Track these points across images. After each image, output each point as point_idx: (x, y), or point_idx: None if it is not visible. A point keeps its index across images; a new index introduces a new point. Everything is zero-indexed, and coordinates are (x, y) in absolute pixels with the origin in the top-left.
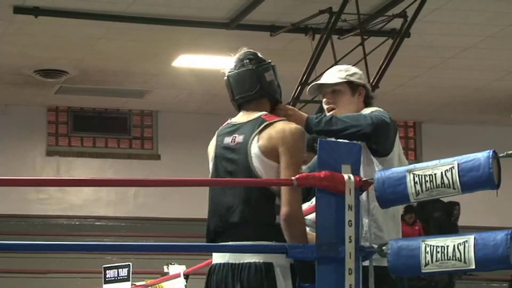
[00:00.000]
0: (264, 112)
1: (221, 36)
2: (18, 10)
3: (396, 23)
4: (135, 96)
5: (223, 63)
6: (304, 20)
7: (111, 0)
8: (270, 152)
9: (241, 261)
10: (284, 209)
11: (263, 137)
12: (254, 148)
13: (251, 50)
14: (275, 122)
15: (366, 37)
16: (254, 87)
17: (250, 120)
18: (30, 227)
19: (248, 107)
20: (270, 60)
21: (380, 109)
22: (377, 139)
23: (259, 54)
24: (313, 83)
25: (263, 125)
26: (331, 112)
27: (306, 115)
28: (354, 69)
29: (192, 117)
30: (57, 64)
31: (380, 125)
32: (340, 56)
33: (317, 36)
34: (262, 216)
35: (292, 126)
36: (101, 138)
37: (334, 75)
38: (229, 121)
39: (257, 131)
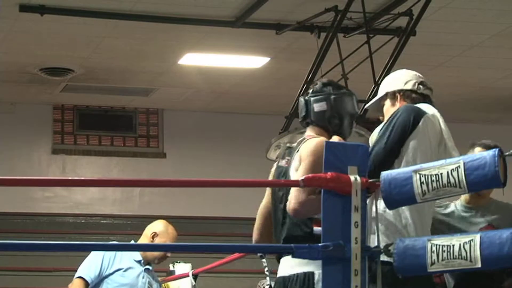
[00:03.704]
0: (310, 134)
1: (227, 34)
2: (23, 8)
3: (402, 22)
4: (141, 94)
5: (229, 61)
6: (310, 18)
7: None
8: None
9: (290, 273)
10: (288, 207)
11: (297, 156)
12: (292, 169)
13: (327, 80)
14: (309, 139)
15: (371, 35)
16: (302, 115)
17: (299, 142)
18: (35, 225)
19: (306, 131)
20: (335, 92)
21: (403, 113)
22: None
23: (329, 84)
24: (365, 107)
25: (302, 144)
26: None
27: None
28: (392, 76)
29: (198, 116)
30: (63, 62)
31: (377, 161)
32: (345, 55)
33: (323, 35)
34: (299, 229)
35: (314, 139)
36: (106, 137)
37: (378, 92)
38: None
39: (296, 150)
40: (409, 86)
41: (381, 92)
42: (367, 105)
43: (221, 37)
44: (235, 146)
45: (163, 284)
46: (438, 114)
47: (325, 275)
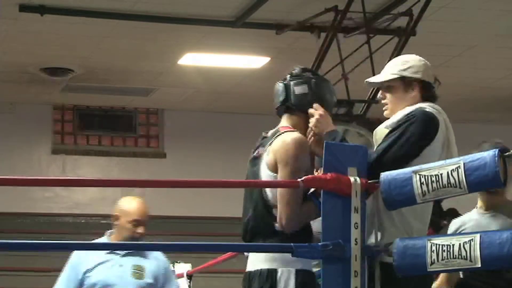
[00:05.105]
0: (285, 124)
1: (227, 34)
2: (23, 8)
3: (402, 22)
4: (141, 94)
5: (229, 61)
6: (310, 18)
7: None
8: (272, 165)
9: (254, 269)
10: (278, 224)
11: (270, 150)
12: (263, 162)
13: (305, 67)
14: (283, 133)
15: (371, 35)
16: (281, 100)
17: (272, 132)
18: (35, 225)
19: (281, 119)
20: (314, 76)
21: (426, 109)
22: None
23: (308, 70)
24: (366, 80)
25: (275, 136)
26: (384, 107)
27: (332, 128)
28: (412, 62)
29: (198, 116)
30: (63, 62)
31: (378, 164)
32: (346, 55)
33: (323, 34)
34: (264, 226)
35: (289, 136)
36: (106, 137)
37: (388, 69)
38: (263, 133)
39: (269, 143)
40: (431, 79)
41: (392, 71)
42: (373, 79)
43: (221, 37)
44: (235, 146)
45: None
46: (448, 120)
47: (325, 274)
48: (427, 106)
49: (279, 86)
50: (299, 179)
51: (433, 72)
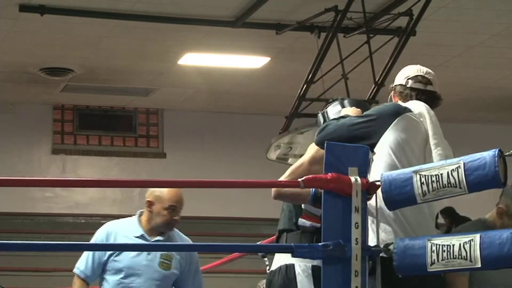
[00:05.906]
0: None
1: (227, 34)
2: (23, 8)
3: (402, 22)
4: (141, 94)
5: (229, 61)
6: (310, 18)
7: None
8: None
9: (276, 267)
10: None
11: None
12: None
13: (342, 98)
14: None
15: (371, 35)
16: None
17: None
18: (35, 225)
19: None
20: (349, 99)
21: (405, 103)
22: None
23: (346, 99)
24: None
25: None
26: None
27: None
28: (399, 74)
29: (198, 116)
30: (63, 62)
31: (326, 134)
32: (345, 55)
33: (323, 34)
34: (288, 222)
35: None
36: (106, 137)
37: None
38: None
39: None
40: (399, 81)
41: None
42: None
43: (221, 37)
44: (235, 146)
45: None
46: (426, 113)
47: (325, 275)
48: (410, 102)
49: (319, 115)
50: (299, 179)
51: (415, 71)
